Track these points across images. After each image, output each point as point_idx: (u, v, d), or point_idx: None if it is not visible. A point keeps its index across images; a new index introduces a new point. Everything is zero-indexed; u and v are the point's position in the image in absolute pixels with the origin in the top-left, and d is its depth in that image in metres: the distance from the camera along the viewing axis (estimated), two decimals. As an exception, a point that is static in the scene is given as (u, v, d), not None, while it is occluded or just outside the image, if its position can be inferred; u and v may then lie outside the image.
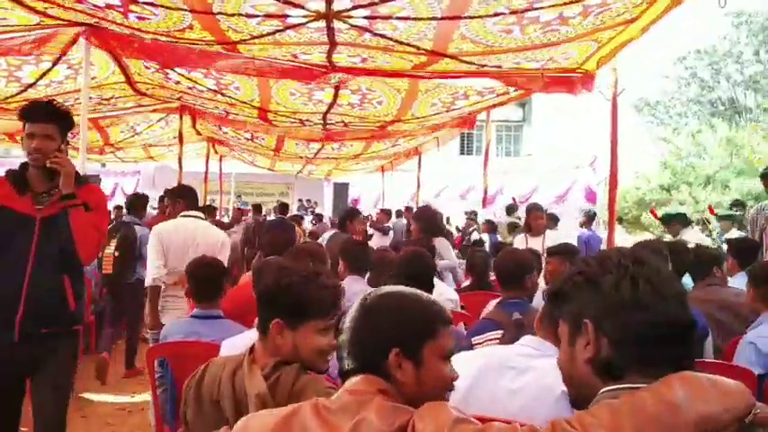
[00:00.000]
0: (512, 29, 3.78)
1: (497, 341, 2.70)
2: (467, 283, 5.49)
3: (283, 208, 12.61)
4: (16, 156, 19.24)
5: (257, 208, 12.50)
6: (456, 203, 16.96)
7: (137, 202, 6.78)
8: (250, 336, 2.17)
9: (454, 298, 4.15)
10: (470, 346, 2.73)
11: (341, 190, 19.54)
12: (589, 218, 11.29)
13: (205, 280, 3.28)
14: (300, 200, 19.46)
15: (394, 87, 5.86)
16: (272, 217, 12.39)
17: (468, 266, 5.50)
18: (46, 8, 4.17)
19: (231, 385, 1.87)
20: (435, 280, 3.91)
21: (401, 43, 4.16)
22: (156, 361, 3.24)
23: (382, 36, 4.04)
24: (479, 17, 3.57)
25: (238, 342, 2.43)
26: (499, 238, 10.91)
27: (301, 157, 11.61)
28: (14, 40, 4.64)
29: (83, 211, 2.87)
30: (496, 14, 3.54)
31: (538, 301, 3.18)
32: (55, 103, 3.04)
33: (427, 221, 5.89)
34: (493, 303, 3.45)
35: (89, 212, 2.90)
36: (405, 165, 13.30)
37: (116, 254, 6.00)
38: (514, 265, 3.10)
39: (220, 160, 13.20)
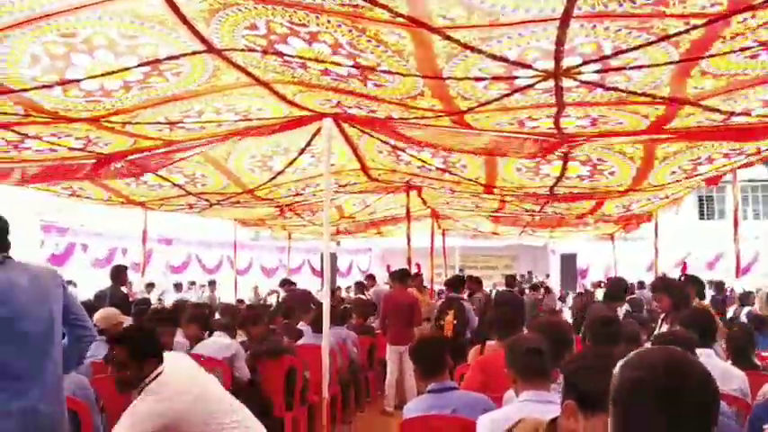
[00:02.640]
0: (759, 53, 3.36)
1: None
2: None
3: (511, 281, 12.43)
4: (264, 237, 21.60)
5: (478, 280, 12.45)
6: (702, 273, 15.35)
7: (457, 281, 8.52)
8: (509, 412, 2.17)
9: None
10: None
11: (568, 261, 18.73)
12: None
13: (431, 357, 3.38)
14: (526, 274, 18.91)
15: (628, 156, 5.53)
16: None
17: (730, 344, 4.82)
18: (295, 93, 4.62)
19: None
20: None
21: (636, 94, 3.90)
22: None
23: (614, 89, 3.83)
24: (723, 54, 3.21)
25: (497, 417, 2.44)
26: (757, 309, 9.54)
27: (527, 210, 11.39)
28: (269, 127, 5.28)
29: None
30: (743, 49, 3.16)
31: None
32: None
33: (677, 293, 5.28)
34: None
35: None
36: (636, 232, 12.43)
37: (454, 322, 7.17)
38: None
39: (443, 235, 13.52)
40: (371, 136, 5.65)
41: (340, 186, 7.96)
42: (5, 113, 4.28)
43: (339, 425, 6.47)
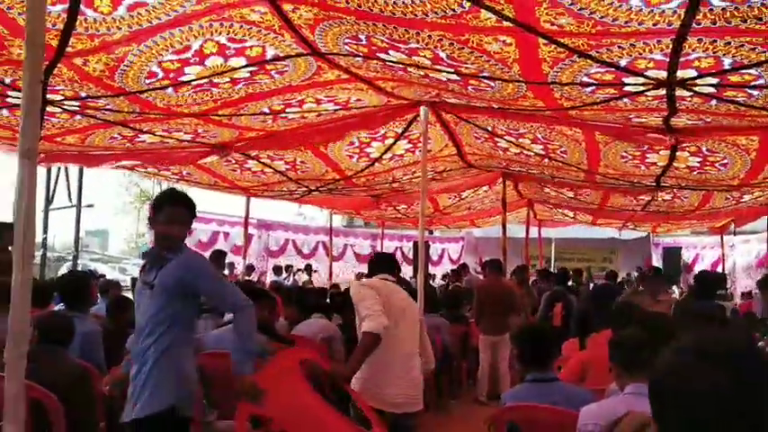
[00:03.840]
0: None
1: None
2: None
3: (612, 275, 12.05)
4: (357, 224, 21.96)
5: (579, 273, 12.16)
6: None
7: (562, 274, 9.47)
8: (613, 405, 2.14)
9: None
10: None
11: (672, 255, 17.78)
12: None
13: (539, 345, 3.30)
14: (635, 270, 17.90)
15: (742, 147, 5.22)
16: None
17: None
18: (393, 87, 4.71)
19: None
20: None
21: (756, 108, 3.72)
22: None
23: (732, 102, 3.67)
24: None
25: (601, 410, 2.46)
26: None
27: (629, 210, 10.99)
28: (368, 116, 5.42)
29: None
30: None
31: None
32: None
33: None
34: None
35: None
36: (748, 225, 11.72)
37: (563, 313, 7.60)
38: None
39: (539, 225, 13.25)
40: (468, 122, 5.62)
41: (437, 173, 7.94)
42: (122, 111, 4.60)
43: (433, 412, 6.51)
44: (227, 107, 4.78)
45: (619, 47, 2.95)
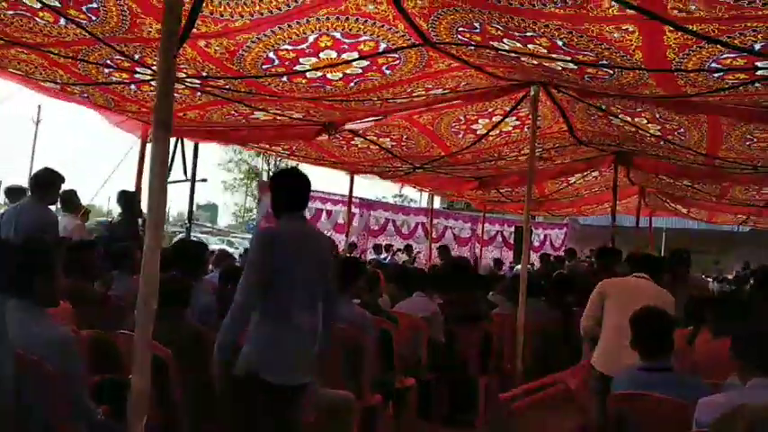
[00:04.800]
0: None
1: None
2: None
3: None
4: (458, 209, 21.83)
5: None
6: None
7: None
8: (736, 397, 2.04)
9: None
10: None
11: (797, 249, 16.45)
12: None
13: (653, 333, 3.16)
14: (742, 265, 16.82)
15: None
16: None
17: None
18: (504, 73, 4.64)
19: None
20: None
21: None
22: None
23: None
24: None
25: (722, 402, 2.33)
26: None
27: (749, 205, 10.25)
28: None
29: None
30: None
31: None
32: None
33: None
34: None
35: None
36: None
37: None
38: None
39: (650, 215, 12.64)
40: (581, 101, 5.43)
41: (545, 150, 7.69)
42: (239, 91, 4.80)
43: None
44: (338, 98, 4.92)
45: (753, 30, 2.78)
